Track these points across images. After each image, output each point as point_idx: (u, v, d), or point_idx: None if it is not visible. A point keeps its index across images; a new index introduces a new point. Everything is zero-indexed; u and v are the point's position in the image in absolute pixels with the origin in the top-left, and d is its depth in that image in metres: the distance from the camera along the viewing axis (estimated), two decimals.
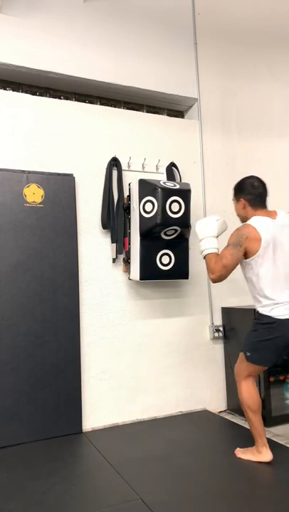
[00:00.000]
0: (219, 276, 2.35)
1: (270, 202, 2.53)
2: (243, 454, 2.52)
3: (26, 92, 3.28)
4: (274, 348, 2.36)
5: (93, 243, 3.24)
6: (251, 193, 2.45)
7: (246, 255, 2.35)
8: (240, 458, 2.50)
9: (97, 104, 3.55)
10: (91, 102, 3.53)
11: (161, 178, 3.43)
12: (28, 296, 2.92)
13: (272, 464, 2.40)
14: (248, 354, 2.43)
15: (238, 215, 2.57)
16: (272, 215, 2.43)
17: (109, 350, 3.24)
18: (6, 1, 3.07)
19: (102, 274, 3.25)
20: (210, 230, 2.48)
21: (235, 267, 2.36)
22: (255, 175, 2.55)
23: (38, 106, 3.16)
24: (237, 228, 2.42)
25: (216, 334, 3.58)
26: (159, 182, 3.11)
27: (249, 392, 2.46)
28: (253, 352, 2.41)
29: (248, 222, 2.41)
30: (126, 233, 3.28)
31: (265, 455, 2.44)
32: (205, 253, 2.46)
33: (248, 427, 2.60)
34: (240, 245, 2.32)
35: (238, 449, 2.58)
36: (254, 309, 2.50)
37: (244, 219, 2.49)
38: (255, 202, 2.45)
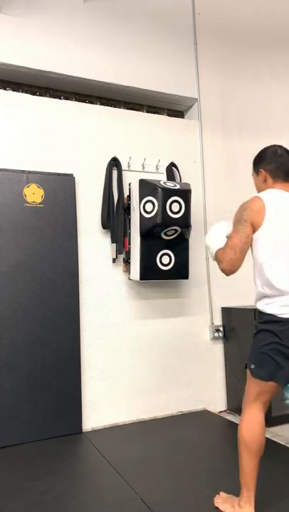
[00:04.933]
0: (228, 261, 1.84)
1: None
2: (222, 502, 1.98)
3: (26, 92, 3.28)
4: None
5: (93, 243, 3.24)
6: (273, 161, 1.98)
7: (254, 232, 1.88)
8: (217, 507, 1.97)
9: (97, 104, 3.54)
10: (91, 102, 3.53)
11: (161, 178, 3.44)
12: (28, 296, 2.93)
13: (272, 464, 2.40)
14: (252, 367, 1.88)
15: (259, 192, 2.00)
16: None
17: (110, 350, 3.24)
18: (6, 1, 3.07)
19: (102, 274, 3.25)
20: (218, 232, 2.00)
21: (246, 247, 1.86)
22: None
23: (38, 106, 3.16)
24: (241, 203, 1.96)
25: (216, 334, 3.58)
26: (160, 182, 3.11)
27: (250, 423, 1.86)
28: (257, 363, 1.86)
29: (257, 194, 1.95)
30: (126, 233, 3.28)
31: None
32: (214, 252, 1.96)
33: None
34: (244, 220, 1.85)
35: (221, 493, 2.05)
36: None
37: None
38: (278, 172, 1.96)
